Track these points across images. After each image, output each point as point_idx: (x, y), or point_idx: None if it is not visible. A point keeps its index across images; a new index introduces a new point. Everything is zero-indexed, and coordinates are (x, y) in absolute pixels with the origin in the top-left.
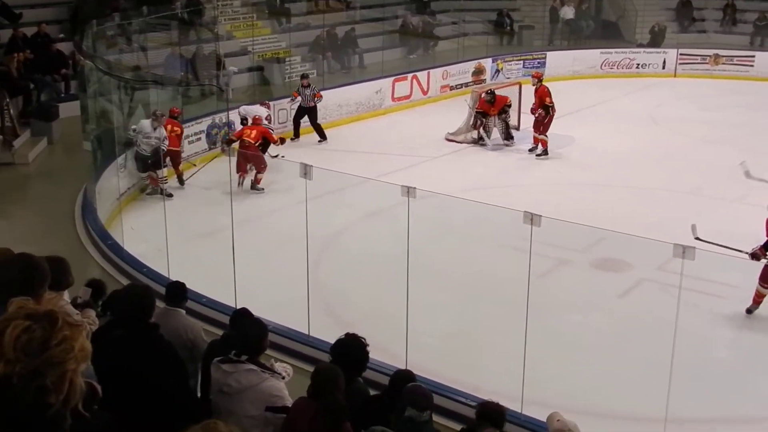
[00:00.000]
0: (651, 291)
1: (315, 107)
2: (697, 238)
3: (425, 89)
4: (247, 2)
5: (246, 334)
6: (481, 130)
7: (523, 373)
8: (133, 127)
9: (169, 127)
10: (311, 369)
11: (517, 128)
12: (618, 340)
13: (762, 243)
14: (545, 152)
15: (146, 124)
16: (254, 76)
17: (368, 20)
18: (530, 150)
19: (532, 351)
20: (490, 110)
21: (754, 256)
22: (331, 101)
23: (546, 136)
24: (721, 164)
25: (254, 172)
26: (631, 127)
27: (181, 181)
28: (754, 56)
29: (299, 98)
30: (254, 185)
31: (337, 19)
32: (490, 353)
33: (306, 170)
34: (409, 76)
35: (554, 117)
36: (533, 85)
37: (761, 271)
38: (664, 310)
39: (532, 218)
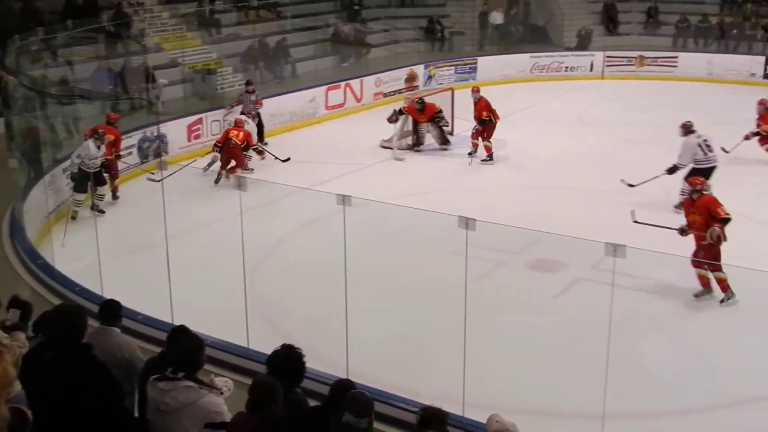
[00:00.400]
0: (586, 290)
1: (258, 114)
2: (636, 222)
3: (359, 97)
4: (175, 14)
5: (182, 350)
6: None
7: (463, 376)
8: (78, 153)
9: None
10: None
11: (452, 133)
12: (555, 339)
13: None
14: (490, 158)
15: (90, 145)
16: (186, 87)
17: (300, 29)
18: (469, 154)
19: (472, 353)
20: (420, 117)
21: (682, 231)
22: (265, 111)
23: (490, 142)
24: (649, 164)
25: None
26: (561, 129)
27: (115, 196)
28: (677, 57)
29: (240, 105)
30: (229, 175)
31: (268, 29)
32: (431, 357)
33: (240, 182)
34: (342, 84)
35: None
36: (474, 99)
37: (692, 256)
38: (598, 307)
39: (467, 222)
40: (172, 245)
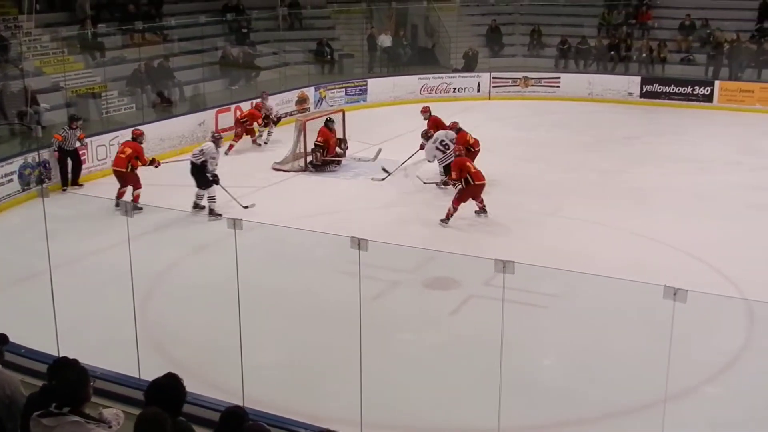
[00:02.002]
0: (479, 306)
1: (77, 150)
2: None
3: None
4: (56, 37)
5: (65, 384)
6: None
7: (360, 397)
8: (202, 149)
9: None
10: None
11: (344, 154)
12: (451, 356)
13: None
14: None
15: (213, 146)
16: (69, 112)
17: (187, 52)
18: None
19: (370, 374)
20: (332, 138)
21: (445, 183)
22: (153, 135)
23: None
24: (536, 180)
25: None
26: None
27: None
28: (559, 77)
29: (61, 141)
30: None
31: (154, 52)
32: (328, 380)
33: (127, 207)
34: (233, 107)
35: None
36: (424, 118)
37: (456, 195)
38: (492, 323)
39: (359, 243)
40: (58, 274)
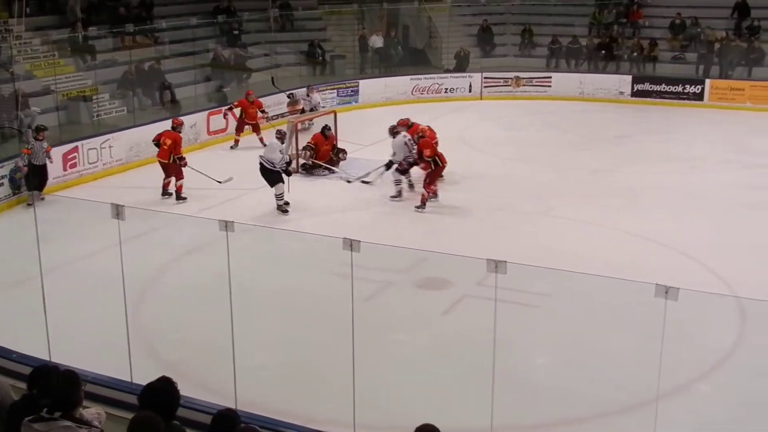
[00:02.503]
0: (472, 306)
1: (45, 165)
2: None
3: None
4: (47, 40)
5: (55, 389)
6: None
7: (353, 398)
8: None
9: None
10: None
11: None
12: (445, 356)
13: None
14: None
15: (278, 143)
16: (60, 115)
17: (178, 55)
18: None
19: (363, 374)
20: (324, 145)
21: (402, 172)
22: (144, 138)
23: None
24: (528, 180)
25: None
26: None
27: (180, 197)
28: (550, 77)
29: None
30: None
31: (145, 55)
32: (323, 381)
33: (118, 210)
34: (224, 108)
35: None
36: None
37: (425, 179)
38: (485, 323)
39: (351, 244)
40: (49, 279)
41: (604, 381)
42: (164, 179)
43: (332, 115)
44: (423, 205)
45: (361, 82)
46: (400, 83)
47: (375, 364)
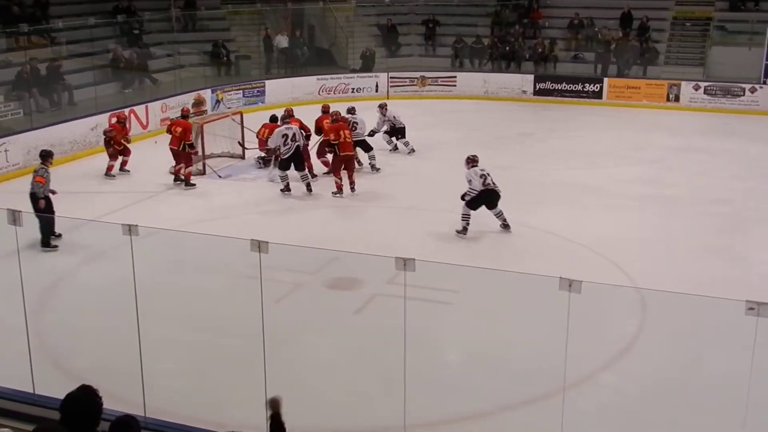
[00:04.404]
0: (383, 304)
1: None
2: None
3: (144, 123)
4: None
5: None
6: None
7: (265, 401)
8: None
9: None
10: None
11: (243, 157)
12: (357, 356)
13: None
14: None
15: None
16: None
17: (76, 55)
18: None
19: (274, 378)
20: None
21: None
22: (43, 141)
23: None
24: (435, 179)
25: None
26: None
27: (189, 183)
28: (455, 76)
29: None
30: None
31: (41, 55)
32: (233, 386)
33: (15, 216)
34: (126, 110)
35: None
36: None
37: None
38: (396, 321)
39: (259, 245)
40: None
41: (513, 374)
42: (174, 166)
43: (239, 116)
44: (340, 191)
45: (267, 82)
46: (307, 83)
47: (287, 366)
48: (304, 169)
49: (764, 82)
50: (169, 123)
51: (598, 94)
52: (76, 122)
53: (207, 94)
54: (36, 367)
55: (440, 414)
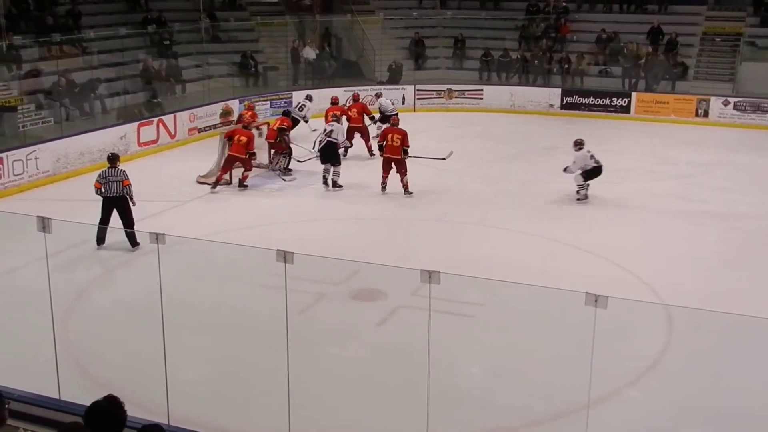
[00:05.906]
0: (407, 316)
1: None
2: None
3: (173, 133)
4: None
5: None
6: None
7: (288, 412)
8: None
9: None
10: None
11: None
12: (380, 368)
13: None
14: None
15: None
16: None
17: (107, 65)
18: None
19: (298, 388)
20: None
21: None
22: (73, 149)
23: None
24: (462, 191)
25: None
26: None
27: (242, 185)
28: (482, 89)
29: None
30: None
31: (73, 65)
32: (257, 395)
33: (44, 223)
34: (155, 120)
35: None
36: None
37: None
38: (419, 333)
39: (285, 256)
40: None
41: (537, 389)
42: (243, 172)
43: (265, 127)
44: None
45: (295, 93)
46: (334, 95)
47: (310, 377)
48: (338, 164)
49: None
50: (227, 131)
51: (626, 109)
52: (105, 131)
53: (235, 105)
54: (62, 373)
55: (462, 429)
